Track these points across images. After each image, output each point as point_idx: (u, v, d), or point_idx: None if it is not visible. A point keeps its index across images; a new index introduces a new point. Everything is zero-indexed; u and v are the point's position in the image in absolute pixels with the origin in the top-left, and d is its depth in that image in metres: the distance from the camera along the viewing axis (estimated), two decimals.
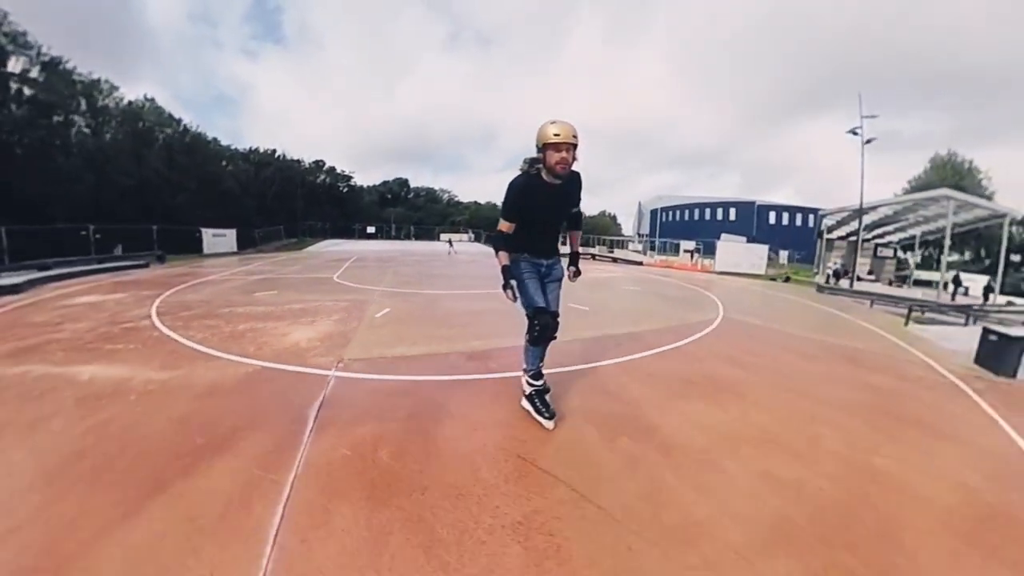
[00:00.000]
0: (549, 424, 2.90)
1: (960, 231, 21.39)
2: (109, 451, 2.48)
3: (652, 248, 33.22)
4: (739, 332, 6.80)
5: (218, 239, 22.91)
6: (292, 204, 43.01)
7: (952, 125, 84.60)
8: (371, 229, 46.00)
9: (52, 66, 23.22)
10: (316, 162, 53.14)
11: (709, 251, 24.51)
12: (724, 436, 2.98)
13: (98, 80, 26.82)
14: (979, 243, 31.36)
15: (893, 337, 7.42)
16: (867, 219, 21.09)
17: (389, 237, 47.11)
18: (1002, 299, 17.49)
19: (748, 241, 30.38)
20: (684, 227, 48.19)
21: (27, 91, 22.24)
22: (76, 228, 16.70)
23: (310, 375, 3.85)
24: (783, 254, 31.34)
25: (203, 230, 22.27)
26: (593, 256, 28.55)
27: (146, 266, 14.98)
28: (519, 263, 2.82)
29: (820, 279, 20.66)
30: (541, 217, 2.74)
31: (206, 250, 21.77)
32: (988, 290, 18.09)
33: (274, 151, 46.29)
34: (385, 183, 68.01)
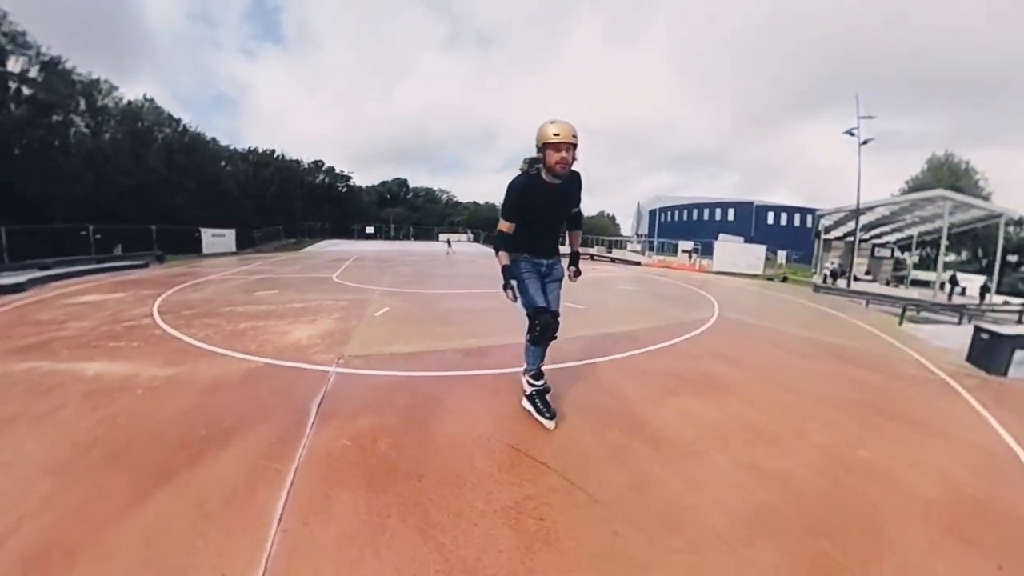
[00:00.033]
0: (550, 424, 2.89)
1: (957, 231, 21.50)
2: (118, 441, 2.57)
3: (650, 248, 33.30)
4: (733, 331, 6.89)
5: (217, 239, 22.96)
6: (291, 204, 43.06)
7: (952, 125, 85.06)
8: (370, 229, 46.09)
9: (51, 66, 23.27)
10: (315, 162, 53.25)
11: (707, 251, 24.60)
12: (713, 430, 3.05)
13: (97, 80, 26.91)
14: (976, 243, 31.47)
15: (887, 336, 7.49)
16: (864, 219, 21.21)
17: (388, 237, 47.21)
18: (998, 299, 17.64)
19: (746, 241, 30.54)
20: (683, 227, 48.30)
21: (26, 91, 22.30)
22: (75, 228, 16.76)
23: (311, 371, 3.94)
24: (781, 254, 31.48)
25: (202, 230, 22.32)
26: (591, 256, 28.64)
27: (145, 266, 15.04)
28: (519, 263, 2.82)
29: (817, 279, 20.77)
30: (541, 217, 2.74)
31: (205, 250, 21.82)
32: (984, 290, 18.25)
33: (273, 151, 46.40)
34: (384, 183, 68.17)
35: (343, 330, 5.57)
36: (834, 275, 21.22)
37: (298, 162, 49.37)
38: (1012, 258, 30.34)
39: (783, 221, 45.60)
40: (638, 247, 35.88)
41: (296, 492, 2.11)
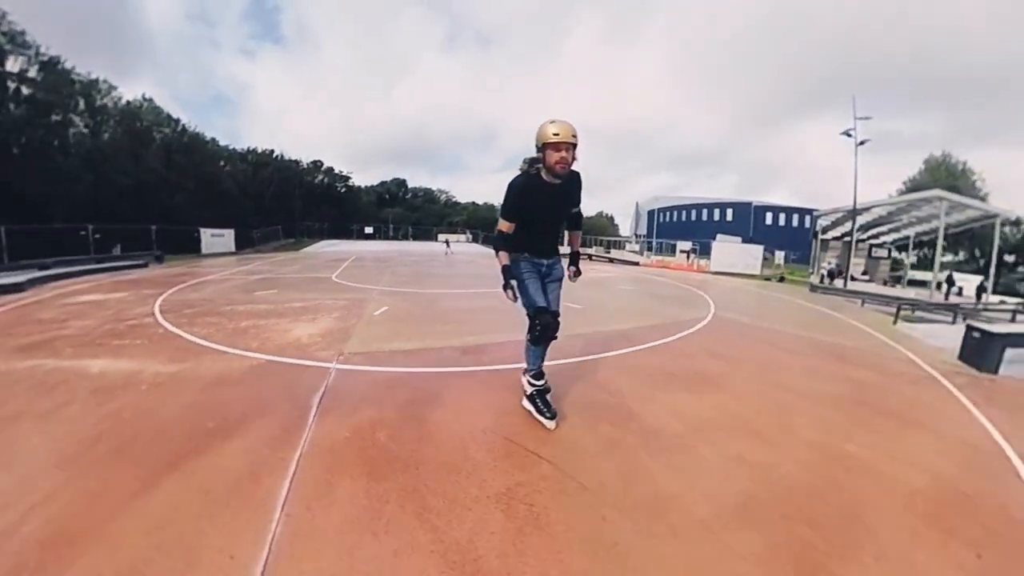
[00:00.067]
0: (550, 424, 2.88)
1: (954, 232, 21.62)
2: (125, 435, 2.65)
3: (649, 248, 33.41)
4: (728, 329, 6.97)
5: (216, 239, 23.01)
6: (290, 204, 43.12)
7: (951, 125, 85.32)
8: (369, 229, 46.19)
9: (50, 65, 23.34)
10: (314, 162, 53.35)
11: (705, 251, 24.72)
12: (701, 423, 3.13)
13: (96, 80, 26.98)
14: (973, 243, 31.62)
15: (881, 335, 7.55)
16: (861, 220, 21.32)
17: (387, 237, 47.30)
18: (995, 299, 17.77)
19: (744, 242, 30.64)
20: (681, 228, 48.46)
21: (25, 90, 22.37)
22: (75, 228, 16.81)
23: (312, 367, 4.03)
24: (779, 254, 31.60)
25: (201, 230, 22.36)
26: (590, 256, 28.71)
27: (145, 266, 15.10)
28: (519, 263, 2.82)
29: (814, 279, 20.89)
30: (541, 217, 2.73)
31: (204, 250, 21.87)
32: (981, 290, 18.38)
33: (272, 151, 46.51)
34: (383, 183, 68.27)
35: (343, 328, 5.65)
36: (831, 275, 21.34)
37: (297, 162, 49.48)
38: (1009, 258, 30.53)
39: (781, 221, 45.78)
40: (636, 247, 35.99)
41: (299, 480, 2.20)
